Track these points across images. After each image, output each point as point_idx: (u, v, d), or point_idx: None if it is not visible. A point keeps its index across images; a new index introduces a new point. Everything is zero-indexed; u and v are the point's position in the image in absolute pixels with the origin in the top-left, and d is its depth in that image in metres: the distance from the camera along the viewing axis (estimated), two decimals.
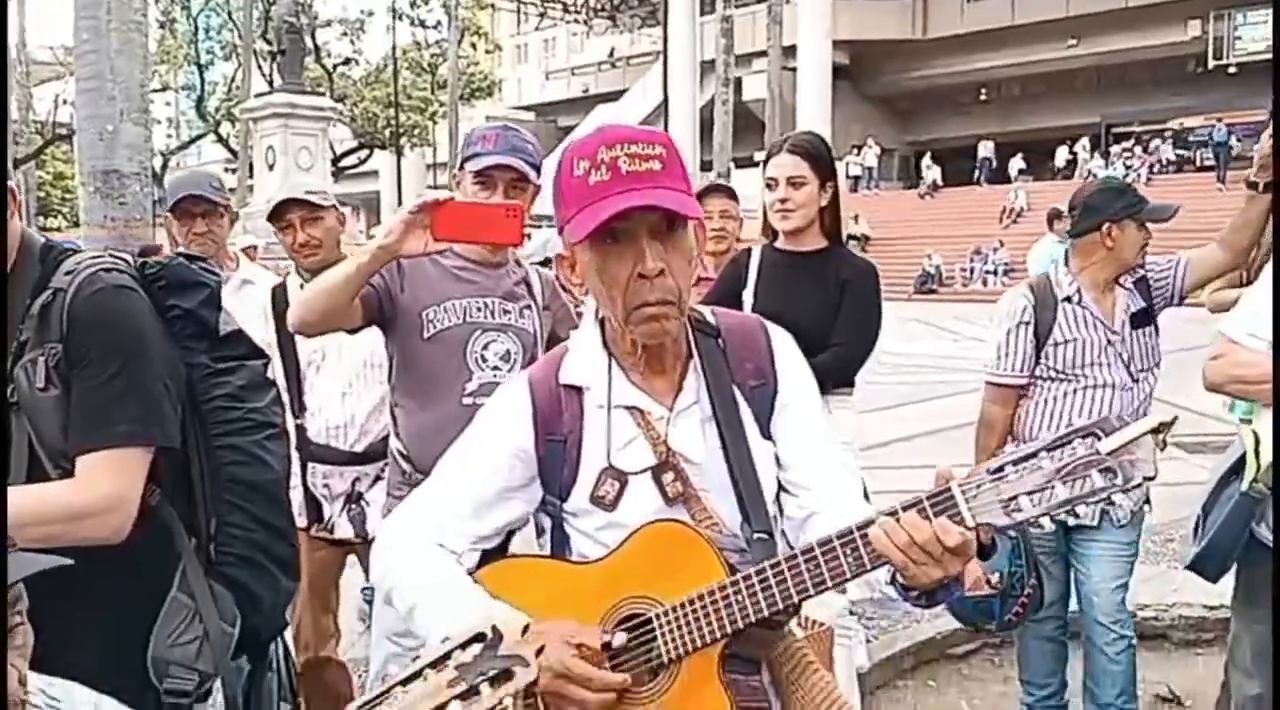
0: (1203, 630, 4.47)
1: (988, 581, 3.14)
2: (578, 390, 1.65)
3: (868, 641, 4.32)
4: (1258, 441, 2.53)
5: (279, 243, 3.45)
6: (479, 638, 1.24)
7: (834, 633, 1.88)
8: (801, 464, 1.65)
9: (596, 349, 1.66)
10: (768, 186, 3.31)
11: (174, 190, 3.81)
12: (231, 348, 1.95)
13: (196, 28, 38.02)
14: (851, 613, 3.45)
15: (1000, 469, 1.34)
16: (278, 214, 3.34)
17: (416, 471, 2.65)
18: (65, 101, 32.26)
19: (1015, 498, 1.33)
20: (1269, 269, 2.70)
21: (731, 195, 4.49)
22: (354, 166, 39.53)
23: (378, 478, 3.33)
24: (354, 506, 3.35)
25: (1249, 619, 2.69)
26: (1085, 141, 35.08)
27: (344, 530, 3.35)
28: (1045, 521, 1.33)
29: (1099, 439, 1.31)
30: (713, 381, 1.63)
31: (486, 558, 1.72)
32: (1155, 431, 1.31)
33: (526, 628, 1.27)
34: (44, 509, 1.66)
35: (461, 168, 2.67)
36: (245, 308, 3.16)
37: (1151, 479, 1.31)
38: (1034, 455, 1.33)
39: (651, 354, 1.62)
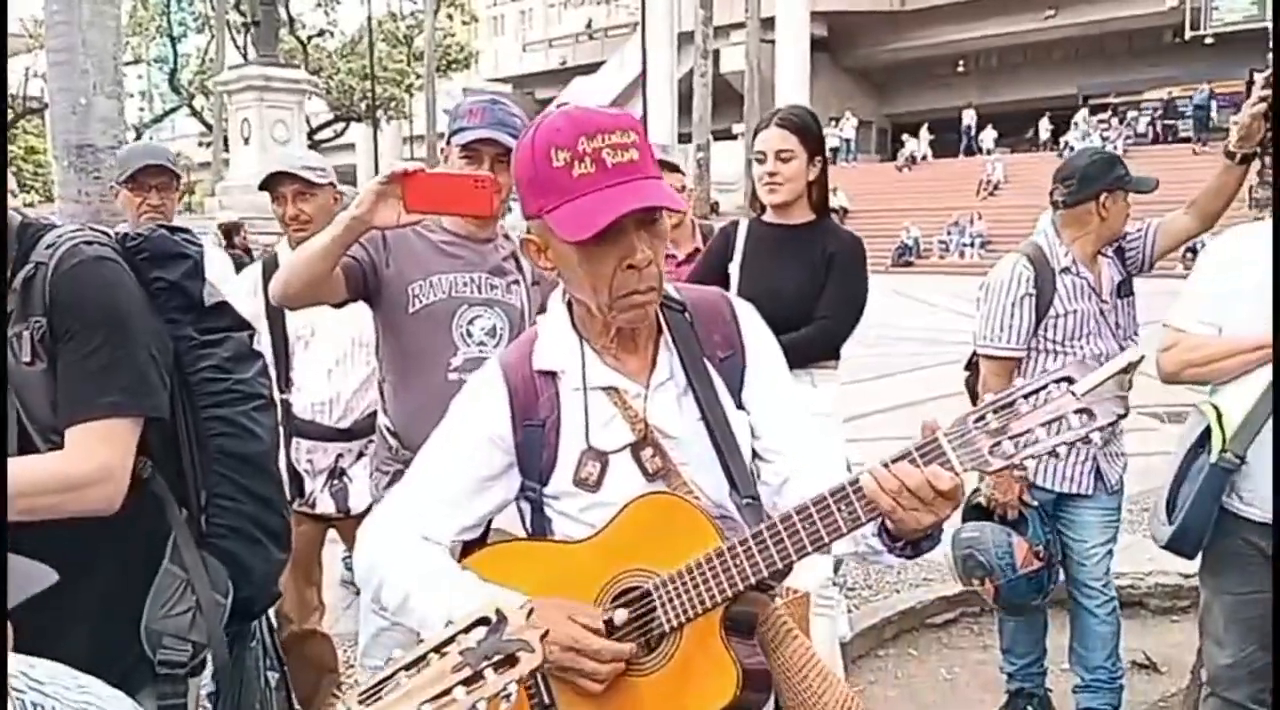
0: (1179, 598, 4.55)
1: (1036, 555, 3.17)
2: (552, 375, 1.66)
3: (849, 611, 4.37)
4: (1219, 414, 2.57)
5: (260, 217, 3.45)
6: (483, 621, 1.23)
7: (810, 599, 1.90)
8: (774, 431, 1.67)
9: (567, 332, 1.66)
10: (756, 160, 3.31)
11: (130, 159, 3.77)
12: (217, 319, 1.94)
13: None
14: (834, 584, 3.49)
15: (982, 417, 1.38)
16: (268, 185, 3.33)
17: (403, 447, 2.65)
18: (36, 74, 31.79)
19: (999, 443, 1.37)
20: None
21: (675, 168, 4.45)
22: (330, 139, 39.21)
23: (360, 454, 3.35)
24: (336, 482, 3.36)
25: (1217, 588, 2.72)
26: (1085, 112, 34.93)
27: (325, 505, 3.35)
28: (1029, 463, 1.37)
29: (1072, 382, 1.35)
30: (685, 356, 1.65)
31: (467, 548, 1.73)
32: (1124, 371, 1.36)
33: (530, 611, 1.28)
34: (36, 480, 1.65)
35: (448, 142, 2.66)
36: None
37: (1124, 416, 1.36)
38: (1012, 402, 1.37)
39: (624, 334, 1.63)
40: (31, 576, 1.16)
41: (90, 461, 1.69)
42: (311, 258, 2.39)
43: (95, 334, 1.71)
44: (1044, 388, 1.36)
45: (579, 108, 1.53)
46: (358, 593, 4.03)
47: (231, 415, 1.91)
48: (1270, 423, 2.47)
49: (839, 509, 1.43)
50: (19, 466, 1.67)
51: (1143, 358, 1.39)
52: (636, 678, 1.54)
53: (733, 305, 1.74)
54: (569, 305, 1.68)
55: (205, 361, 1.89)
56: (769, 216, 3.36)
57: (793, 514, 1.46)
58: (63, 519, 1.66)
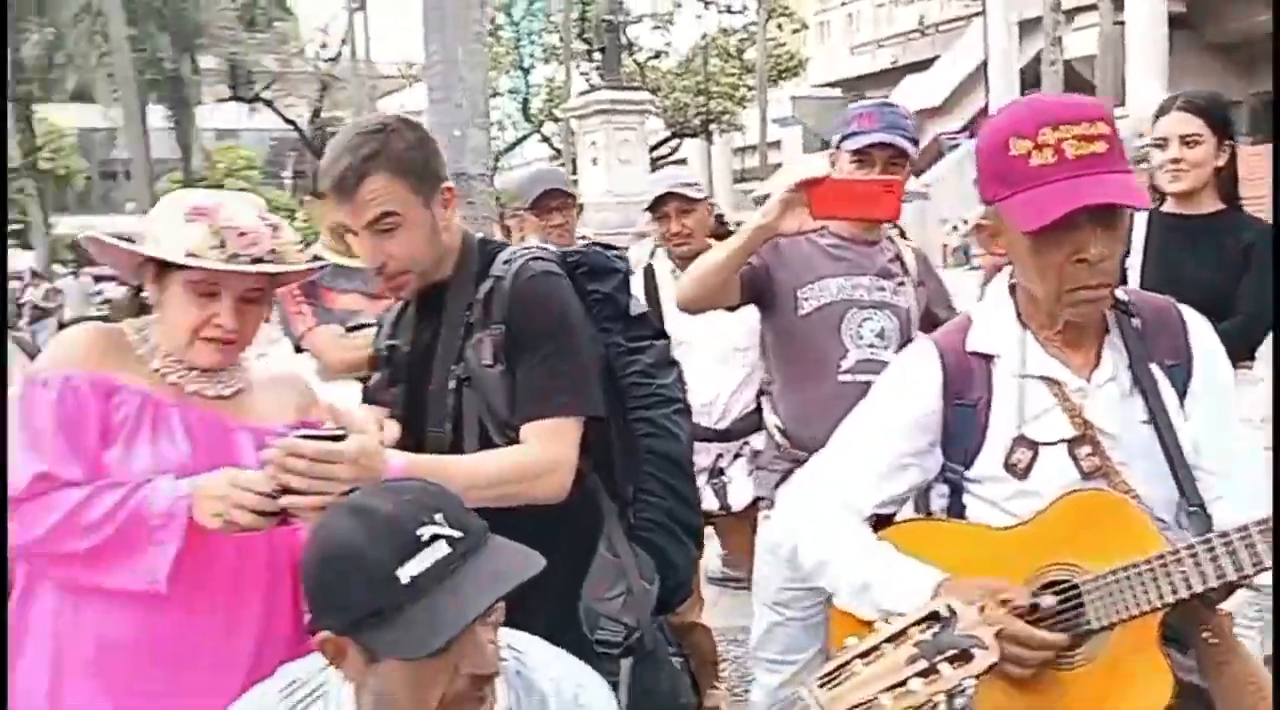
0: None
1: None
2: (986, 358, 1.66)
3: None
4: None
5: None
6: (934, 617, 1.27)
7: (1232, 618, 1.79)
8: (1213, 448, 1.60)
9: (1010, 319, 1.67)
10: (1158, 146, 3.14)
11: (532, 186, 4.10)
12: (641, 328, 2.11)
13: (519, 34, 40.29)
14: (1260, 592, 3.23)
15: None
16: (655, 205, 3.54)
17: (793, 447, 2.74)
18: (409, 111, 34.99)
19: None
20: None
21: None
22: (666, 156, 40.57)
23: (737, 454, 3.51)
24: (716, 480, 3.53)
25: None
26: None
27: (709, 502, 3.50)
28: None
29: None
30: (1133, 357, 1.61)
31: (877, 526, 1.76)
32: None
33: (982, 608, 1.30)
34: (500, 471, 1.85)
35: (838, 147, 2.73)
36: None
37: None
38: None
39: (1070, 327, 1.62)
40: (526, 561, 1.32)
41: (545, 454, 1.87)
42: (716, 266, 2.54)
43: (548, 341, 1.90)
44: None
45: (1047, 96, 1.56)
46: (735, 588, 4.18)
47: (655, 417, 2.06)
48: None
49: None
50: (485, 459, 1.89)
51: None
52: (1057, 671, 1.52)
53: (1183, 314, 1.69)
54: (1012, 290, 1.68)
55: (633, 367, 2.06)
56: (1170, 206, 3.16)
57: (1250, 526, 1.39)
58: (517, 509, 1.83)
